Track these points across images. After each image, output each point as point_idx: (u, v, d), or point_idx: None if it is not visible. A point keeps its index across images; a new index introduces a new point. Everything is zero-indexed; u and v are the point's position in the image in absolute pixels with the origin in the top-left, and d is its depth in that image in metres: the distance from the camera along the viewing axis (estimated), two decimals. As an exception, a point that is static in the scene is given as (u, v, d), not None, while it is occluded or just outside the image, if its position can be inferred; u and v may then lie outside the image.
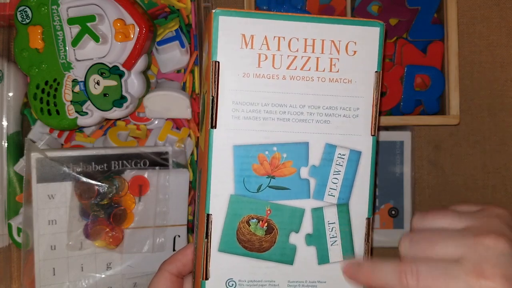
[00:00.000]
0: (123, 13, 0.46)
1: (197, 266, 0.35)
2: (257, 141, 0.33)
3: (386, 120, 0.50)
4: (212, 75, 0.33)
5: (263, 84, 0.33)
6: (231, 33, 0.33)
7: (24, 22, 0.47)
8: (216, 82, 0.33)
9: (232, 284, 0.34)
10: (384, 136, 0.53)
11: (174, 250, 0.50)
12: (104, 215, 0.48)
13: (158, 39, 0.50)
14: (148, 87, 0.50)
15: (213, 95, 0.33)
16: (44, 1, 0.47)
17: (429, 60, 0.51)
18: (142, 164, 0.49)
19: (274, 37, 0.33)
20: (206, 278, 0.34)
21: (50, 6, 0.47)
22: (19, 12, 0.47)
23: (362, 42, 0.34)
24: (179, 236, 0.50)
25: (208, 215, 0.33)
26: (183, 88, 0.52)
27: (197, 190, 0.38)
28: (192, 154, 0.52)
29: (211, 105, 0.33)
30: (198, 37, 0.50)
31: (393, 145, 0.54)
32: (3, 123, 0.51)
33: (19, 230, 0.50)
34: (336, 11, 0.51)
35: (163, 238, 0.49)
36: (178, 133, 0.51)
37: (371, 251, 0.35)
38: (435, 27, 0.51)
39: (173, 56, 0.52)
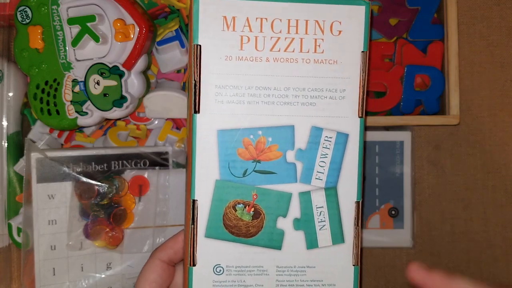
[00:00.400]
0: (123, 13, 0.46)
1: (185, 253, 0.35)
2: (241, 125, 0.33)
3: (386, 120, 0.50)
4: (193, 59, 0.32)
5: (246, 67, 0.33)
6: (211, 16, 0.32)
7: (24, 22, 0.47)
8: (198, 66, 0.32)
9: (220, 270, 0.34)
10: (384, 136, 0.53)
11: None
12: (104, 215, 0.48)
13: (158, 39, 0.50)
14: (148, 87, 0.50)
15: (195, 79, 0.33)
16: (44, 1, 0.47)
17: (429, 60, 0.51)
18: (142, 164, 0.49)
19: (257, 18, 0.33)
20: (194, 264, 0.33)
21: (50, 6, 0.47)
22: (19, 12, 0.47)
23: (347, 21, 0.33)
24: (179, 236, 0.50)
25: (193, 200, 0.33)
26: (183, 88, 0.52)
27: (186, 176, 0.38)
28: (192, 154, 0.52)
29: (193, 89, 0.33)
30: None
31: (393, 145, 0.54)
32: (3, 123, 0.51)
33: (19, 230, 0.50)
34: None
35: (163, 238, 0.49)
36: (178, 133, 0.51)
37: (361, 235, 0.35)
38: (435, 27, 0.51)
39: (173, 56, 0.52)
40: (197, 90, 0.33)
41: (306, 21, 0.33)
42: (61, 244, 0.48)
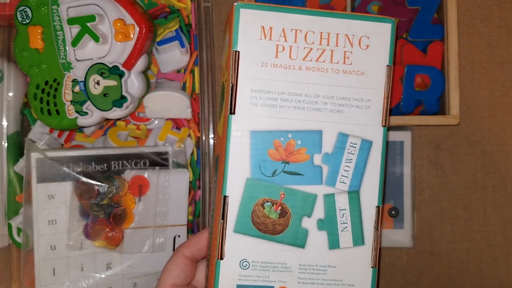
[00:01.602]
0: (123, 13, 0.46)
1: (212, 247, 0.36)
2: (273, 128, 0.35)
3: (386, 120, 0.50)
4: (232, 64, 0.35)
5: (280, 74, 0.35)
6: (251, 25, 0.35)
7: (24, 22, 0.47)
8: (236, 71, 0.35)
9: (246, 265, 0.35)
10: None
11: (174, 250, 0.50)
12: (104, 215, 0.48)
13: (158, 39, 0.50)
14: (148, 87, 0.50)
15: (232, 83, 0.35)
16: (44, 1, 0.47)
17: (429, 60, 0.51)
18: (142, 164, 0.49)
19: (292, 29, 0.35)
20: (221, 258, 0.35)
21: (50, 6, 0.47)
22: (19, 12, 0.47)
23: (375, 37, 0.36)
24: (179, 236, 0.50)
25: (225, 197, 0.35)
26: (183, 88, 0.52)
27: (214, 176, 0.40)
28: (192, 154, 0.52)
29: (230, 92, 0.35)
30: (198, 37, 0.50)
31: (393, 145, 0.54)
32: (3, 123, 0.51)
33: (19, 230, 0.50)
34: (336, 10, 0.51)
35: (163, 238, 0.49)
36: (178, 133, 0.51)
37: (380, 238, 0.36)
38: (435, 27, 0.51)
39: (173, 56, 0.52)
40: (234, 93, 0.35)
41: (337, 34, 0.35)
42: (61, 244, 0.48)
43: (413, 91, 0.51)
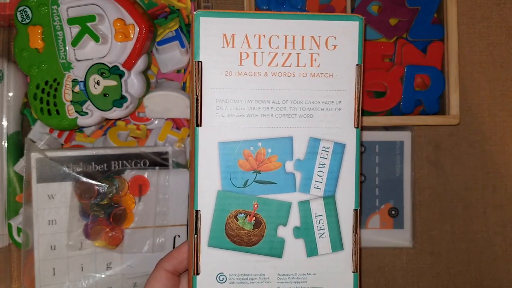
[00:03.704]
0: (123, 13, 0.46)
1: (189, 262, 0.36)
2: (242, 137, 0.34)
3: (386, 120, 0.50)
4: (195, 74, 0.34)
5: (246, 82, 0.34)
6: (212, 33, 0.34)
7: (24, 22, 0.47)
8: (200, 81, 0.34)
9: (223, 279, 0.35)
10: (384, 136, 0.53)
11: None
12: (104, 215, 0.48)
13: (158, 39, 0.50)
14: (148, 87, 0.50)
15: (197, 94, 0.34)
16: (44, 1, 0.47)
17: (429, 60, 0.51)
18: (142, 164, 0.49)
19: (255, 35, 0.34)
20: (197, 273, 0.34)
21: (50, 6, 0.47)
22: (19, 12, 0.47)
23: (342, 36, 0.35)
24: (179, 236, 0.50)
25: (196, 211, 0.34)
26: (183, 88, 0.52)
27: (188, 188, 0.39)
28: (192, 154, 0.52)
29: (195, 104, 0.34)
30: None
31: (393, 145, 0.54)
32: (3, 123, 0.51)
33: (19, 230, 0.50)
34: (336, 11, 0.51)
35: (163, 238, 0.49)
36: (178, 133, 0.51)
37: (360, 242, 0.36)
38: (435, 27, 0.51)
39: (173, 56, 0.52)
40: (199, 105, 0.34)
41: (302, 36, 0.35)
42: (61, 244, 0.48)
43: (413, 91, 0.51)
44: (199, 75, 0.34)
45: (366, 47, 0.50)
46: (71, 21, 0.46)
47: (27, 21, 0.47)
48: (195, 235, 0.34)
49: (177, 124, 0.52)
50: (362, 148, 0.53)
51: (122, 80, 0.46)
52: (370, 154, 0.53)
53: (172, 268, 0.38)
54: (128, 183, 0.49)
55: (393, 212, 0.54)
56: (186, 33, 0.52)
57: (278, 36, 0.34)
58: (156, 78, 0.53)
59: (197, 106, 0.34)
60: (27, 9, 0.47)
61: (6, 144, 0.50)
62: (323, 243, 0.35)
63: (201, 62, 0.34)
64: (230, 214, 0.34)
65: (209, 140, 0.34)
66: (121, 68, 0.46)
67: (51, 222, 0.48)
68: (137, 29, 0.46)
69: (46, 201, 0.47)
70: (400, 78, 0.51)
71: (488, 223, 0.55)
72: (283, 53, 0.35)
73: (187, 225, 0.51)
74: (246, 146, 0.34)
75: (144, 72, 0.49)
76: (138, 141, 0.52)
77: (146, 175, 0.49)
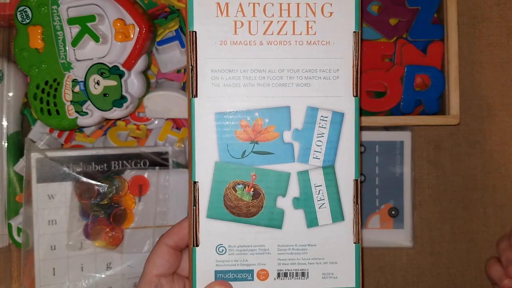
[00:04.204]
0: (123, 13, 0.46)
1: (189, 235, 0.36)
2: (238, 108, 0.34)
3: (386, 120, 0.50)
4: (189, 45, 0.33)
5: (241, 51, 0.34)
6: (205, 2, 0.34)
7: (24, 22, 0.47)
8: (194, 52, 0.34)
9: (222, 250, 0.34)
10: (384, 136, 0.53)
11: (174, 250, 0.50)
12: (104, 215, 0.48)
13: (158, 39, 0.50)
14: (148, 87, 0.50)
15: (192, 64, 0.34)
16: (44, 1, 0.47)
17: (429, 60, 0.51)
18: (142, 164, 0.49)
19: (249, 3, 0.34)
20: (197, 245, 0.34)
21: (50, 6, 0.47)
22: (19, 12, 0.47)
23: (338, 3, 0.34)
24: (179, 236, 0.50)
25: (194, 182, 0.34)
26: (183, 88, 0.52)
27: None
28: (192, 154, 0.52)
29: (190, 74, 0.34)
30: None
31: (393, 145, 0.54)
32: (3, 123, 0.51)
33: (19, 230, 0.50)
34: None
35: (163, 238, 0.49)
36: (178, 133, 0.51)
37: (361, 213, 0.36)
38: (435, 27, 0.51)
39: (173, 56, 0.52)
40: (194, 75, 0.33)
41: (298, 4, 0.34)
42: (61, 244, 0.48)
43: (413, 91, 0.51)
44: (194, 45, 0.33)
45: (366, 47, 0.50)
46: (71, 21, 0.46)
47: (27, 21, 0.47)
48: (194, 207, 0.34)
49: (177, 124, 0.52)
50: (362, 148, 0.53)
51: (122, 80, 0.46)
52: (370, 154, 0.53)
53: (174, 244, 0.38)
54: (128, 183, 0.49)
55: (393, 212, 0.54)
56: (186, 33, 0.52)
57: (272, 4, 0.34)
58: (156, 78, 0.53)
59: (192, 77, 0.34)
60: (27, 9, 0.47)
61: (6, 144, 0.50)
62: (323, 213, 0.35)
63: (195, 32, 0.33)
64: (228, 185, 0.34)
65: (205, 111, 0.34)
66: (121, 68, 0.46)
67: (51, 222, 0.48)
68: (137, 29, 0.46)
69: (46, 201, 0.47)
70: (400, 78, 0.51)
71: (488, 223, 0.55)
72: (278, 21, 0.34)
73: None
74: (243, 116, 0.34)
75: (144, 72, 0.49)
76: (138, 141, 0.52)
77: (146, 175, 0.49)
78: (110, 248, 0.49)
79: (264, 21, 0.34)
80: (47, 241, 0.48)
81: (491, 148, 0.55)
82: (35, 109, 0.48)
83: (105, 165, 0.49)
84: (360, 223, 0.35)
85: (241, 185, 0.34)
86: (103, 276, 0.49)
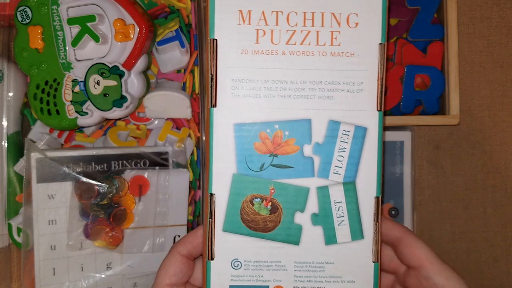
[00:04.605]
0: (123, 13, 0.46)
1: (203, 247, 0.35)
2: (258, 119, 0.33)
3: (386, 120, 0.50)
4: (210, 53, 0.33)
5: (262, 61, 0.33)
6: (227, 10, 0.33)
7: (24, 22, 0.47)
8: (215, 60, 0.33)
9: (238, 265, 0.34)
10: (384, 136, 0.53)
11: (174, 250, 0.50)
12: (104, 215, 0.48)
13: (158, 39, 0.50)
14: (148, 87, 0.50)
15: (211, 73, 0.33)
16: (44, 1, 0.47)
17: (429, 60, 0.51)
18: (142, 164, 0.49)
19: (272, 11, 0.33)
20: (211, 258, 0.33)
21: (50, 6, 0.47)
22: (19, 12, 0.47)
23: (364, 13, 0.33)
24: (179, 236, 0.50)
25: (211, 194, 0.33)
26: (183, 88, 0.52)
27: (202, 172, 0.38)
28: (192, 154, 0.52)
29: (210, 83, 0.33)
30: (198, 37, 0.50)
31: (393, 145, 0.54)
32: (3, 123, 0.50)
33: (19, 230, 0.50)
34: None
35: (163, 238, 0.49)
36: (178, 133, 0.51)
37: (381, 231, 0.34)
38: (435, 27, 0.51)
39: (173, 56, 0.52)
40: (214, 84, 0.33)
41: (322, 13, 0.33)
42: (61, 244, 0.48)
43: (413, 91, 0.51)
44: (214, 54, 0.33)
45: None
46: (71, 21, 0.46)
47: (27, 21, 0.47)
48: (210, 219, 0.33)
49: (177, 124, 0.52)
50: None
51: (122, 80, 0.46)
52: (370, 154, 0.53)
53: (187, 253, 0.37)
54: (128, 183, 0.49)
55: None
56: (186, 33, 0.51)
57: (296, 13, 0.33)
58: (156, 78, 0.53)
59: (211, 86, 0.33)
60: (27, 9, 0.47)
61: (6, 144, 0.50)
62: (342, 231, 0.34)
63: (216, 40, 0.33)
64: (245, 198, 0.33)
65: (224, 122, 0.33)
66: (121, 68, 0.46)
67: (51, 222, 0.48)
68: (137, 29, 0.46)
69: (46, 201, 0.47)
70: (400, 78, 0.51)
71: (488, 223, 0.55)
72: (301, 31, 0.33)
73: (187, 225, 0.51)
74: (263, 128, 0.33)
75: (144, 72, 0.49)
76: (138, 141, 0.52)
77: (146, 175, 0.49)
78: (110, 248, 0.49)
79: (287, 30, 0.33)
80: (47, 241, 0.48)
81: (491, 148, 0.55)
82: (35, 109, 0.48)
83: (105, 165, 0.49)
84: (380, 242, 0.34)
85: (258, 199, 0.33)
86: (103, 276, 0.49)
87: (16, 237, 0.50)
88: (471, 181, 0.55)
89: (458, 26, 0.50)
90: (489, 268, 0.55)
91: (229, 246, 0.33)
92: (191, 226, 0.52)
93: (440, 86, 0.51)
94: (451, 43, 0.50)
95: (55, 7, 0.47)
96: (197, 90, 0.51)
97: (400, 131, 0.54)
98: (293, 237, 0.33)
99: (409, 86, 0.51)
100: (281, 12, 0.33)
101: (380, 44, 0.33)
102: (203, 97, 0.49)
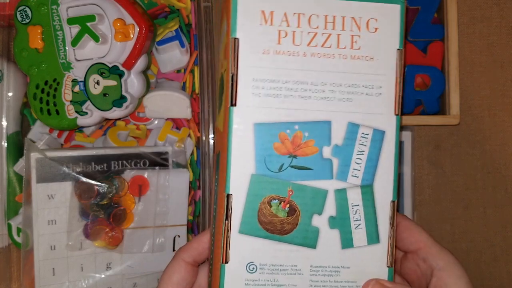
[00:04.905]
0: (123, 13, 0.46)
1: (215, 249, 0.34)
2: (278, 119, 0.32)
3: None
4: (231, 52, 0.32)
5: (284, 61, 0.33)
6: (250, 10, 0.32)
7: (24, 22, 0.47)
8: (236, 59, 0.32)
9: (253, 268, 0.33)
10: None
11: (174, 250, 0.50)
12: (104, 215, 0.48)
13: (158, 39, 0.50)
14: (148, 87, 0.50)
15: (232, 72, 0.32)
16: (44, 1, 0.47)
17: (429, 60, 0.51)
18: (142, 164, 0.49)
19: (294, 13, 0.33)
20: (226, 262, 0.32)
21: (50, 6, 0.47)
22: (19, 12, 0.47)
23: (383, 19, 0.33)
24: (179, 236, 0.50)
25: (228, 195, 0.32)
26: (183, 88, 0.52)
27: (215, 173, 0.37)
28: (192, 154, 0.52)
29: (230, 82, 0.32)
30: (198, 37, 0.50)
31: (393, 145, 0.53)
32: (2, 123, 0.50)
33: (18, 230, 0.50)
34: None
35: (163, 238, 0.49)
36: (178, 133, 0.51)
37: (396, 235, 0.34)
38: (435, 27, 0.51)
39: (173, 56, 0.52)
40: (235, 83, 0.32)
41: (343, 17, 0.33)
42: (61, 244, 0.48)
43: (413, 91, 0.51)
44: (236, 52, 0.32)
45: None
46: (71, 21, 0.46)
47: (27, 21, 0.47)
48: (226, 221, 0.32)
49: (177, 124, 0.52)
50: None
51: (122, 80, 0.46)
52: (370, 154, 0.53)
53: (192, 260, 0.36)
54: (128, 183, 0.49)
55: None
56: (186, 33, 0.51)
57: (318, 16, 0.33)
58: (156, 78, 0.53)
59: (232, 85, 0.32)
60: (27, 9, 0.47)
61: (5, 144, 0.50)
62: (359, 234, 0.33)
63: (238, 38, 0.32)
64: (263, 199, 0.32)
65: (243, 121, 0.32)
66: (121, 68, 0.46)
67: (50, 222, 0.48)
68: (137, 29, 0.46)
69: (46, 201, 0.47)
70: (400, 78, 0.51)
71: (488, 223, 0.55)
72: (322, 34, 0.33)
73: (187, 225, 0.51)
74: (283, 128, 0.32)
75: (144, 72, 0.49)
76: (138, 141, 0.52)
77: (146, 175, 0.49)
78: (110, 248, 0.49)
79: (308, 32, 0.33)
80: (47, 241, 0.48)
81: (491, 148, 0.55)
82: (34, 109, 0.48)
83: (104, 165, 0.49)
84: (395, 246, 0.34)
85: (276, 200, 0.32)
86: (102, 276, 0.49)
87: (15, 237, 0.50)
88: (471, 181, 0.55)
89: (458, 26, 0.50)
90: (489, 268, 0.55)
91: (244, 249, 0.32)
92: (191, 226, 0.52)
93: (440, 86, 0.51)
94: (451, 43, 0.50)
95: (55, 7, 0.47)
96: (197, 90, 0.51)
97: (400, 131, 0.54)
98: (310, 240, 0.33)
99: (409, 86, 0.51)
100: (303, 14, 0.33)
101: (398, 49, 0.33)
102: (203, 97, 0.49)
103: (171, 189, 0.49)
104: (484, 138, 0.55)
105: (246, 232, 0.32)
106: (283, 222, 0.33)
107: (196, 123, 0.52)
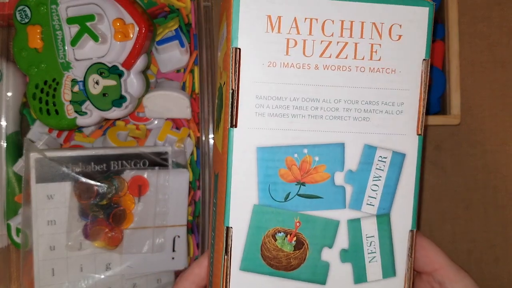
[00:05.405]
0: (122, 12, 0.46)
1: (213, 286, 0.31)
2: (284, 142, 0.29)
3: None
4: (232, 64, 0.28)
5: (292, 75, 0.29)
6: (254, 15, 0.28)
7: (23, 22, 0.47)
8: (237, 73, 0.28)
9: None
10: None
11: (173, 250, 0.50)
12: (104, 216, 0.48)
13: (157, 39, 0.50)
14: (148, 87, 0.50)
15: (233, 88, 0.29)
16: (43, 0, 0.47)
17: (430, 60, 0.51)
18: (141, 164, 0.49)
19: (305, 18, 0.29)
20: None
21: (49, 6, 0.47)
22: (18, 12, 0.47)
23: (408, 24, 0.29)
24: (178, 236, 0.50)
25: (227, 228, 0.29)
26: (183, 88, 0.52)
27: (214, 196, 0.34)
28: (192, 154, 0.52)
29: (230, 99, 0.29)
30: (198, 36, 0.50)
31: (393, 145, 0.53)
32: (2, 123, 0.50)
33: (18, 230, 0.50)
34: None
35: (162, 238, 0.49)
36: (178, 133, 0.51)
37: (413, 267, 0.31)
38: (435, 27, 0.51)
39: (172, 56, 0.52)
40: (235, 101, 0.29)
41: (362, 23, 0.29)
42: (60, 244, 0.48)
43: (413, 91, 0.51)
44: (237, 65, 0.28)
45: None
46: (70, 20, 0.46)
47: (26, 20, 0.47)
48: (225, 256, 0.29)
49: (177, 124, 0.52)
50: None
51: (122, 80, 0.46)
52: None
53: (195, 286, 0.35)
54: (128, 183, 0.49)
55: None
56: (186, 33, 0.51)
57: (333, 21, 0.29)
58: (156, 78, 0.53)
59: (232, 103, 0.28)
60: (26, 9, 0.47)
61: (5, 144, 0.50)
62: (374, 268, 0.30)
63: (239, 49, 0.28)
64: (267, 232, 0.29)
65: (245, 144, 0.29)
66: (121, 68, 0.46)
67: (50, 222, 0.48)
68: (137, 28, 0.46)
69: (45, 201, 0.47)
70: (401, 78, 0.51)
71: (489, 223, 0.55)
72: (338, 42, 0.29)
73: (186, 225, 0.50)
74: (290, 152, 0.29)
75: (144, 72, 0.49)
76: (137, 141, 0.52)
77: (145, 175, 0.49)
78: (110, 248, 0.49)
79: (321, 41, 0.29)
80: (46, 242, 0.47)
81: (492, 148, 0.55)
82: (34, 109, 0.48)
83: (104, 165, 0.48)
84: (412, 279, 0.31)
85: (282, 233, 0.29)
86: (102, 276, 0.49)
87: (15, 237, 0.50)
88: (472, 181, 0.55)
89: (459, 26, 0.50)
90: (489, 268, 0.55)
91: (246, 287, 0.30)
92: (191, 226, 0.52)
93: (441, 86, 0.50)
94: (452, 43, 0.50)
95: (54, 7, 0.46)
96: (197, 90, 0.51)
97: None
98: (320, 276, 0.30)
99: (410, 86, 0.50)
100: (316, 19, 0.29)
101: (424, 60, 0.30)
102: (203, 96, 0.49)
103: (171, 189, 0.49)
104: (485, 138, 0.55)
105: (248, 269, 0.30)
106: (289, 257, 0.30)
107: (196, 123, 0.52)
